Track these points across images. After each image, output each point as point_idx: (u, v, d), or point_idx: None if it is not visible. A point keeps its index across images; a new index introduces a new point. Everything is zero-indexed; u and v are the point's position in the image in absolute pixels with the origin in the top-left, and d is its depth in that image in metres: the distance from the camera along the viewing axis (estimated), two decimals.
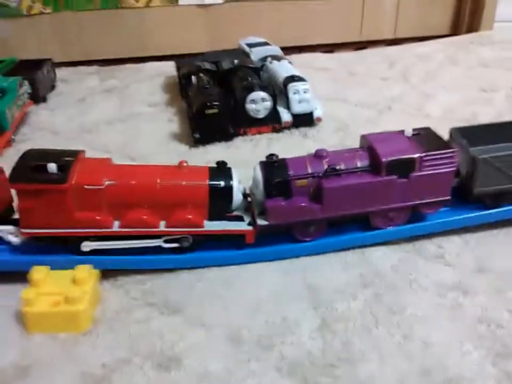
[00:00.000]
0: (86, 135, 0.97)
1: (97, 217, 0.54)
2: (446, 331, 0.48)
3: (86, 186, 0.52)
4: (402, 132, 0.60)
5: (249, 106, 0.89)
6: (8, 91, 0.96)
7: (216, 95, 0.90)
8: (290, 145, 0.89)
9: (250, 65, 1.04)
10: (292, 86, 0.91)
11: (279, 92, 0.93)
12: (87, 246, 0.55)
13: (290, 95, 0.91)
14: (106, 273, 0.56)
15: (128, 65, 1.40)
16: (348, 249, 0.60)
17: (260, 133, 0.92)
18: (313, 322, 0.49)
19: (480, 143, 0.59)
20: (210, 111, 0.87)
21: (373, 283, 0.54)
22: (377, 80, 1.21)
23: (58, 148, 0.84)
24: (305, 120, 0.93)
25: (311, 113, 0.93)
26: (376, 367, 0.44)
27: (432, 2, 1.62)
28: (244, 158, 0.84)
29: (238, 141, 0.90)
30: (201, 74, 1.01)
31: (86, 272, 0.52)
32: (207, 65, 1.07)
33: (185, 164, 0.57)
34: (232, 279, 0.56)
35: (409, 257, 0.58)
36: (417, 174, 0.56)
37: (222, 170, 0.57)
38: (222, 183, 0.56)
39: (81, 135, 0.97)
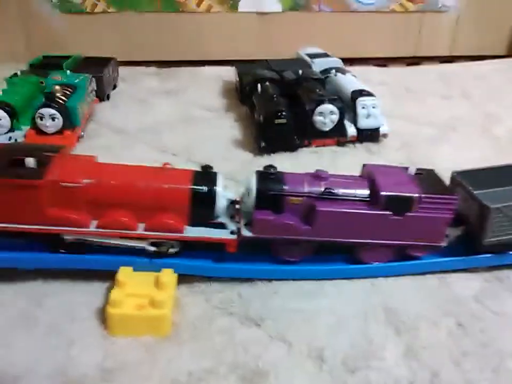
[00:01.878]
0: (149, 135, 0.98)
1: (72, 216, 0.52)
2: None
3: (62, 184, 0.51)
4: (406, 168, 0.59)
5: (317, 119, 0.89)
6: (79, 88, 0.98)
7: (284, 105, 0.90)
8: (354, 160, 0.88)
9: (315, 77, 1.04)
10: (361, 101, 0.91)
11: (346, 105, 0.93)
12: (68, 236, 0.53)
13: (359, 109, 0.90)
14: (183, 278, 0.56)
15: (185, 68, 1.43)
16: (426, 273, 0.58)
17: (324, 145, 0.91)
18: (397, 348, 0.49)
19: (489, 188, 0.57)
20: (279, 121, 0.87)
21: (455, 312, 0.53)
22: (436, 97, 1.19)
23: (125, 147, 0.86)
24: (371, 135, 0.92)
25: (377, 129, 0.92)
26: None
27: (489, 22, 1.58)
28: (308, 169, 0.83)
29: (303, 152, 0.90)
30: (267, 83, 1.01)
31: (169, 276, 0.52)
32: (272, 74, 1.07)
33: (168, 166, 0.55)
34: (311, 294, 0.55)
35: (491, 287, 0.57)
36: (412, 214, 0.54)
37: (206, 174, 0.55)
38: (205, 188, 0.54)
39: (144, 135, 0.98)
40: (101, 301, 0.53)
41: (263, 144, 0.88)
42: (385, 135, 0.92)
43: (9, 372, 0.45)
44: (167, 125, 1.04)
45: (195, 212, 0.54)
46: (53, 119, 0.87)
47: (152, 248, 0.55)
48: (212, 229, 0.55)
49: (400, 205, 0.54)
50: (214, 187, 0.54)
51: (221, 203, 0.55)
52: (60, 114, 0.88)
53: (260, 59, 1.25)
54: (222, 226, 0.56)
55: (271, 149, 0.89)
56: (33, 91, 0.98)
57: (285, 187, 0.54)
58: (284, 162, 0.87)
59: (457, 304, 0.54)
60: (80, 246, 0.55)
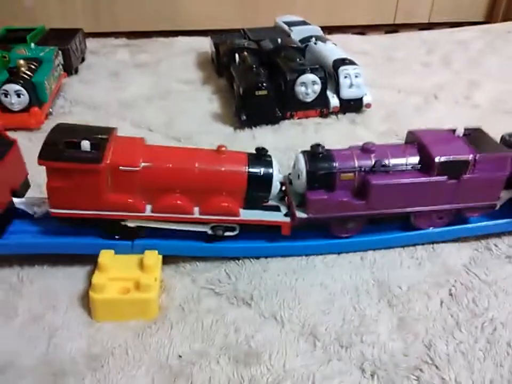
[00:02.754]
0: (125, 111, 0.94)
1: (129, 200, 0.51)
2: None
3: (121, 168, 0.49)
4: (453, 131, 0.57)
5: (299, 89, 0.86)
6: (45, 62, 0.92)
7: (264, 76, 0.87)
8: (339, 132, 0.86)
9: (294, 46, 1.00)
10: (343, 70, 0.88)
11: (328, 75, 0.90)
12: (131, 222, 0.52)
13: (341, 79, 0.88)
14: (168, 260, 0.54)
15: (157, 39, 1.36)
16: (416, 245, 0.58)
17: (306, 117, 0.89)
18: (390, 321, 0.48)
19: None
20: (259, 93, 0.84)
21: (446, 282, 0.53)
22: (418, 66, 1.17)
23: (101, 124, 0.82)
24: (354, 105, 0.90)
25: (360, 99, 0.90)
26: (464, 372, 0.43)
27: None
28: (292, 143, 0.81)
29: (285, 124, 0.88)
30: (245, 53, 0.97)
31: (154, 258, 0.50)
32: (249, 43, 1.03)
33: (223, 149, 0.53)
34: (300, 271, 0.54)
35: (480, 256, 0.57)
36: (468, 176, 0.54)
37: (261, 157, 0.54)
38: (262, 171, 0.53)
39: (120, 111, 0.93)
40: (84, 286, 0.51)
41: (244, 117, 0.85)
42: (368, 105, 0.90)
43: None
44: (142, 99, 0.99)
45: (251, 195, 0.53)
46: (19, 95, 0.82)
47: (210, 232, 0.53)
48: (266, 212, 0.54)
49: (455, 168, 0.53)
50: (271, 170, 0.53)
51: (276, 186, 0.54)
52: (26, 90, 0.82)
53: (236, 28, 1.20)
54: (275, 208, 0.55)
55: (252, 121, 0.86)
56: None
57: (335, 164, 0.53)
58: (267, 135, 0.85)
59: (448, 274, 0.54)
60: (136, 231, 0.53)
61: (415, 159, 0.54)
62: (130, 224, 0.52)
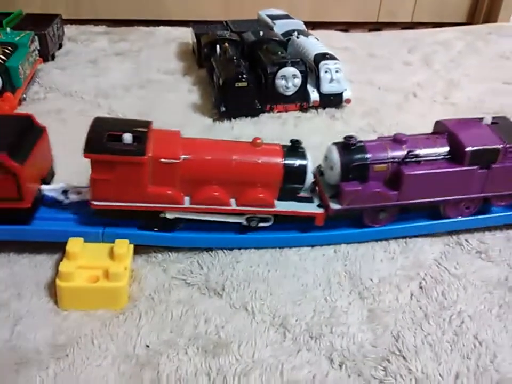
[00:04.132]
0: (102, 99, 0.92)
1: (169, 192, 0.51)
2: (496, 329, 0.47)
3: (162, 160, 0.49)
4: (480, 119, 0.58)
5: (279, 82, 0.86)
6: (20, 46, 0.90)
7: (245, 67, 0.86)
8: (318, 126, 0.86)
9: (276, 39, 1.00)
10: (324, 64, 0.88)
11: (309, 69, 0.90)
12: (171, 213, 0.52)
13: (322, 73, 0.88)
14: (140, 249, 0.53)
15: (138, 28, 1.34)
16: (389, 239, 0.58)
17: (286, 110, 0.89)
18: (361, 313, 0.48)
19: None
20: (239, 84, 0.83)
21: (417, 276, 0.53)
22: (399, 64, 1.18)
23: (74, 111, 0.80)
24: (334, 100, 0.90)
25: (340, 94, 0.90)
26: (430, 363, 0.43)
27: None
28: (272, 136, 0.80)
29: (265, 117, 0.87)
30: (226, 44, 0.96)
31: (124, 247, 0.49)
32: (231, 35, 1.02)
33: (259, 141, 0.54)
34: (273, 263, 0.54)
35: (451, 251, 0.57)
36: (499, 165, 0.55)
37: (296, 149, 0.55)
38: (297, 163, 0.53)
39: (97, 99, 0.92)
40: (51, 274, 0.50)
41: (223, 108, 0.84)
42: (348, 101, 0.90)
43: None
44: (120, 88, 0.97)
45: (286, 187, 0.54)
46: None
47: (245, 222, 0.54)
48: (300, 203, 0.55)
49: (486, 158, 0.54)
50: (306, 161, 0.53)
51: (310, 178, 0.54)
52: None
53: (218, 20, 1.19)
54: (308, 200, 0.56)
55: (231, 113, 0.85)
56: None
57: (368, 156, 0.53)
58: (246, 127, 0.84)
59: (419, 268, 0.54)
60: (175, 223, 0.53)
61: (445, 149, 0.55)
62: (169, 216, 0.52)
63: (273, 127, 0.85)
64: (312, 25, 1.49)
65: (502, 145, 0.54)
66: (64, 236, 0.50)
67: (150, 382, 0.41)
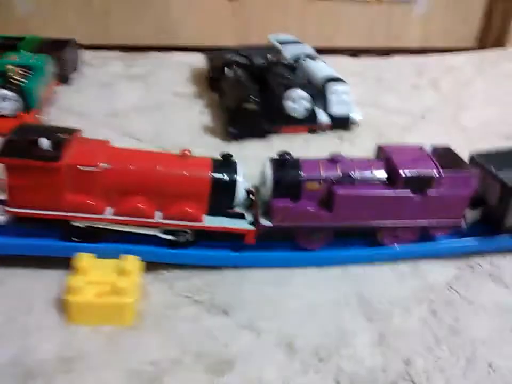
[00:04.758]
0: (114, 120, 0.94)
1: (88, 202, 0.50)
2: (510, 355, 0.46)
3: (79, 167, 0.49)
4: (421, 147, 0.58)
5: (287, 104, 0.87)
6: (36, 69, 0.93)
7: (253, 90, 0.88)
8: (327, 148, 0.86)
9: (285, 62, 1.02)
10: (331, 87, 0.90)
11: (316, 92, 0.91)
12: (78, 222, 0.51)
13: (330, 96, 0.89)
14: (149, 266, 0.53)
15: (152, 53, 1.38)
16: (399, 260, 0.57)
17: (295, 132, 0.90)
18: (370, 335, 0.47)
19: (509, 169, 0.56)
20: (248, 106, 0.84)
21: (428, 299, 0.52)
22: (407, 87, 1.19)
23: (89, 133, 0.82)
24: (342, 123, 0.91)
25: (348, 117, 0.91)
26: None
27: (460, 15, 1.61)
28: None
29: (274, 139, 0.88)
30: (235, 67, 0.98)
31: (133, 262, 0.49)
32: (240, 59, 1.04)
33: (188, 153, 0.53)
34: (281, 282, 0.54)
35: (463, 275, 0.56)
36: (433, 192, 0.54)
37: (226, 163, 0.54)
38: (226, 177, 0.52)
39: (110, 120, 0.94)
40: (58, 289, 0.50)
41: (231, 129, 0.86)
42: (356, 123, 0.91)
43: None
44: (133, 110, 0.99)
45: (214, 201, 0.52)
46: (8, 100, 0.82)
47: (169, 237, 0.52)
48: (231, 219, 0.53)
49: (420, 183, 0.53)
50: (235, 175, 0.52)
51: (241, 192, 0.53)
52: (15, 96, 0.82)
53: (230, 46, 1.22)
54: (240, 216, 0.54)
55: (241, 135, 0.86)
56: None
57: (302, 173, 0.53)
58: (255, 149, 0.85)
59: (430, 291, 0.53)
60: (94, 234, 0.52)
61: (382, 173, 0.55)
62: (80, 224, 0.51)
63: (281, 148, 0.85)
64: (321, 50, 1.52)
65: (436, 172, 0.53)
66: (70, 251, 0.50)
67: None
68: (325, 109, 0.90)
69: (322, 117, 0.90)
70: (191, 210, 0.51)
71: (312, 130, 0.90)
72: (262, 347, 0.46)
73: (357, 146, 0.87)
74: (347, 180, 0.53)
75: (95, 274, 0.48)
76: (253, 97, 0.85)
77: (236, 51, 1.17)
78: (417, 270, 0.56)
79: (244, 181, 0.53)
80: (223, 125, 0.90)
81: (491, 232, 0.58)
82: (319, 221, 0.53)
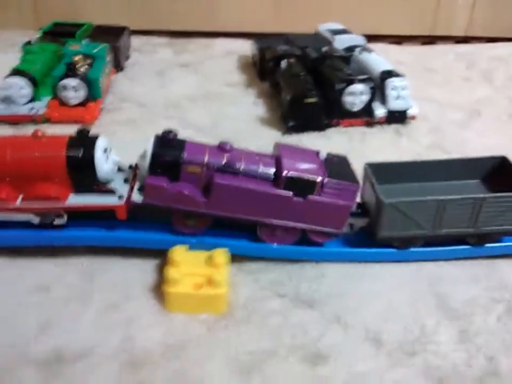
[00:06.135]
0: (171, 110, 0.96)
1: None
2: None
3: None
4: (317, 152, 0.57)
5: (346, 99, 0.88)
6: (98, 58, 0.95)
7: (312, 84, 0.89)
8: (384, 141, 0.88)
9: (339, 55, 1.02)
10: (390, 82, 0.90)
11: (374, 86, 0.91)
12: None
13: (388, 91, 0.89)
14: (232, 258, 0.56)
15: (198, 40, 1.39)
16: (474, 259, 0.59)
17: (351, 125, 0.91)
18: (451, 333, 0.49)
19: (390, 183, 0.58)
20: (308, 101, 0.85)
21: (505, 298, 0.54)
22: (458, 79, 1.18)
23: (148, 122, 0.83)
24: (398, 117, 0.91)
25: (405, 111, 0.91)
26: None
27: (508, 4, 1.57)
28: (339, 150, 0.82)
29: (331, 132, 0.89)
30: (292, 60, 0.99)
31: (224, 256, 0.52)
32: (295, 51, 1.05)
33: (40, 134, 0.52)
34: (358, 278, 0.56)
35: None
36: (314, 197, 0.53)
37: (82, 139, 0.52)
38: (81, 153, 0.51)
39: (167, 110, 0.96)
40: (153, 278, 0.53)
41: (291, 123, 0.87)
42: (413, 117, 0.92)
43: (71, 350, 0.45)
44: (188, 99, 1.01)
45: (76, 179, 0.52)
46: (76, 90, 0.84)
47: (36, 220, 0.52)
48: (99, 196, 0.53)
49: (301, 187, 0.52)
50: (92, 151, 0.51)
51: (104, 167, 0.52)
52: (83, 86, 0.85)
53: (277, 33, 1.22)
54: (109, 192, 0.53)
55: (299, 128, 0.87)
56: (52, 60, 0.94)
57: (184, 155, 0.51)
58: (314, 141, 0.86)
59: (506, 289, 0.55)
60: None
61: (270, 171, 0.53)
62: None
63: (340, 142, 0.87)
64: (366, 38, 1.51)
65: (320, 179, 0.52)
66: (164, 244, 0.53)
67: None
68: (383, 102, 0.90)
69: (379, 111, 0.90)
70: (48, 191, 0.51)
71: (368, 124, 0.91)
72: (351, 341, 0.48)
73: (414, 140, 0.88)
74: (230, 169, 0.52)
75: (189, 266, 0.51)
76: (312, 90, 0.86)
77: (286, 41, 1.17)
78: (492, 268, 0.58)
79: (108, 155, 0.53)
80: (280, 117, 0.91)
81: None
82: (193, 206, 0.52)
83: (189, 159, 0.51)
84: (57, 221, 0.53)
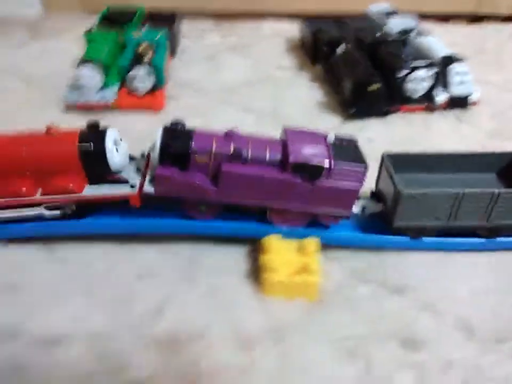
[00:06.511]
0: (229, 95, 0.97)
1: None
2: None
3: None
4: (325, 135, 0.57)
5: (408, 85, 0.88)
6: (160, 45, 0.96)
7: (374, 70, 0.89)
8: (446, 127, 0.88)
9: (394, 38, 1.01)
10: (453, 68, 0.89)
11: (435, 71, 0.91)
12: None
13: (452, 76, 0.89)
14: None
15: (244, 23, 1.38)
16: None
17: (411, 111, 0.91)
18: None
19: (409, 173, 0.58)
20: (371, 88, 0.86)
21: None
22: None
23: (207, 108, 0.83)
24: (459, 102, 0.91)
25: (467, 96, 0.91)
26: None
27: None
28: (401, 136, 0.84)
29: (392, 118, 0.90)
30: (349, 45, 0.99)
31: (315, 244, 0.55)
32: (349, 35, 1.04)
33: (52, 130, 0.54)
34: (441, 264, 0.58)
35: None
36: (322, 182, 0.53)
37: (93, 132, 0.55)
38: (92, 146, 0.53)
39: (224, 95, 0.97)
40: (246, 264, 0.56)
41: (353, 110, 0.88)
42: (474, 103, 0.91)
43: (186, 331, 0.48)
44: (243, 84, 1.02)
45: (90, 171, 0.54)
46: (144, 79, 0.87)
47: (48, 213, 0.55)
48: (113, 186, 0.55)
49: (308, 172, 0.53)
50: (103, 143, 0.53)
51: (115, 158, 0.54)
52: (150, 73, 0.87)
53: (324, 14, 1.21)
54: (122, 181, 0.56)
55: (360, 114, 0.88)
56: (115, 47, 0.96)
57: (192, 144, 0.52)
58: (375, 128, 0.87)
59: None
60: None
61: (276, 156, 0.54)
62: None
63: (402, 128, 0.87)
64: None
65: (327, 163, 0.52)
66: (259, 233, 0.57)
67: (364, 368, 0.46)
68: (444, 88, 0.90)
69: (441, 96, 0.90)
70: (67, 183, 0.54)
71: (429, 109, 0.91)
72: (443, 327, 0.50)
73: (475, 127, 0.88)
74: (237, 157, 0.52)
75: (283, 254, 0.54)
76: (375, 77, 0.86)
77: (338, 24, 1.16)
78: None
79: (119, 146, 0.55)
80: (339, 102, 0.92)
81: None
82: (204, 195, 0.53)
83: (197, 149, 0.52)
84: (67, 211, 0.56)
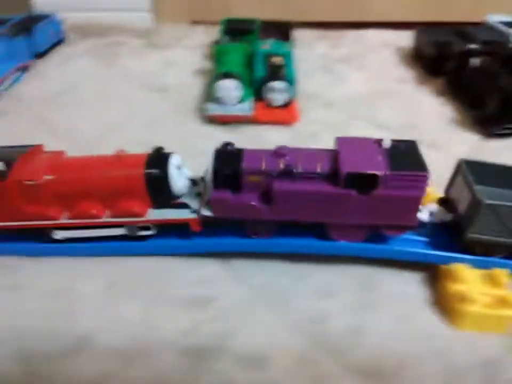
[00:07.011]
0: (355, 108, 0.96)
1: (43, 210, 0.56)
2: None
3: (25, 182, 0.54)
4: (379, 141, 0.53)
5: None
6: (286, 57, 0.96)
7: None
8: None
9: None
10: None
11: None
12: (58, 234, 0.58)
13: None
14: None
15: (350, 32, 1.37)
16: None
17: None
18: None
19: (489, 185, 0.53)
20: None
21: None
22: None
23: (341, 122, 0.82)
24: None
25: None
26: None
27: None
28: None
29: None
30: (485, 57, 0.95)
31: (506, 275, 0.52)
32: (483, 47, 1.01)
33: (121, 154, 0.56)
34: None
35: None
36: (379, 192, 0.49)
37: (158, 157, 0.55)
38: (157, 171, 0.54)
39: (352, 108, 0.96)
40: (426, 292, 0.55)
41: (495, 128, 0.84)
42: None
43: (387, 360, 0.48)
44: (367, 97, 1.01)
45: (154, 195, 0.56)
46: (281, 92, 0.87)
47: (120, 232, 0.57)
48: (175, 210, 0.56)
49: (363, 183, 0.50)
50: (166, 168, 0.54)
51: (178, 183, 0.55)
52: (286, 86, 0.87)
53: (427, 22, 1.18)
54: (184, 206, 0.57)
55: (503, 133, 0.85)
56: (245, 60, 0.97)
57: (242, 165, 0.52)
58: None
59: None
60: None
61: (328, 168, 0.51)
62: (56, 237, 0.58)
63: None
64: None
65: (383, 172, 0.48)
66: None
67: None
68: None
69: None
70: (132, 207, 0.55)
71: None
72: None
73: None
74: (287, 174, 0.51)
75: (473, 284, 0.52)
76: None
77: (456, 33, 1.12)
78: None
79: (179, 172, 0.55)
80: (476, 118, 0.89)
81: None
82: (258, 215, 0.53)
83: (247, 169, 0.52)
84: (143, 233, 0.58)
